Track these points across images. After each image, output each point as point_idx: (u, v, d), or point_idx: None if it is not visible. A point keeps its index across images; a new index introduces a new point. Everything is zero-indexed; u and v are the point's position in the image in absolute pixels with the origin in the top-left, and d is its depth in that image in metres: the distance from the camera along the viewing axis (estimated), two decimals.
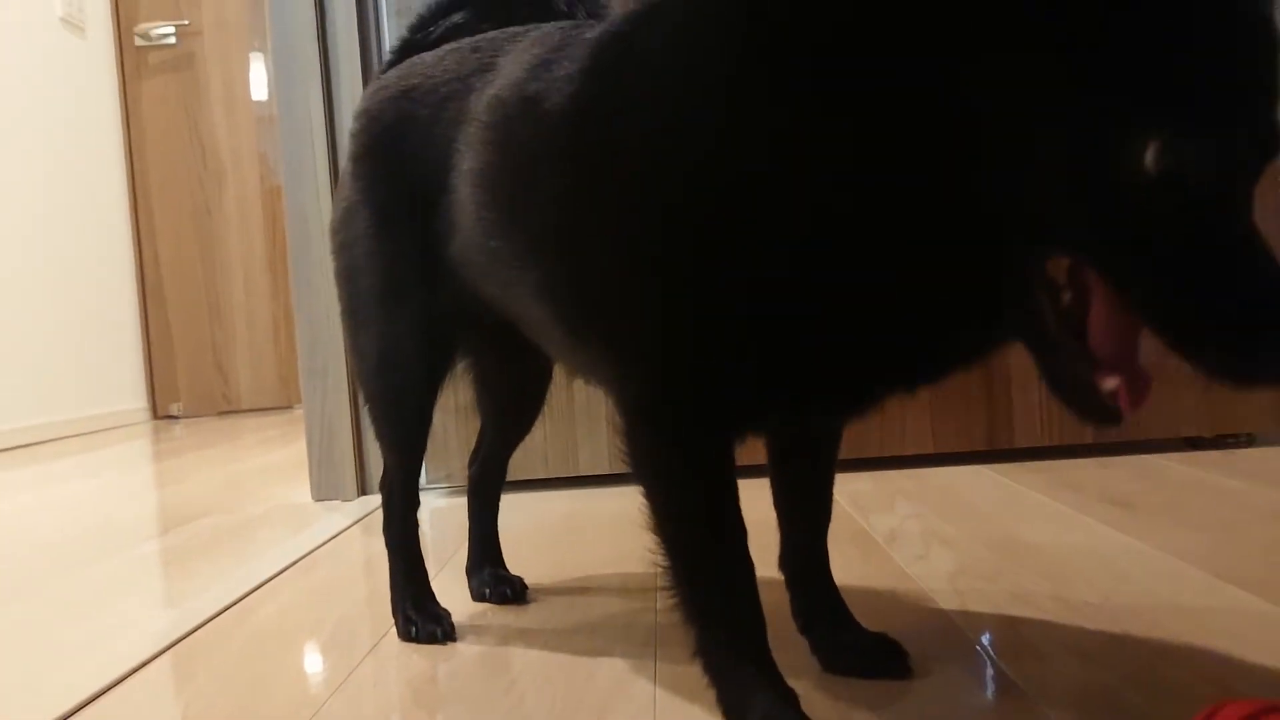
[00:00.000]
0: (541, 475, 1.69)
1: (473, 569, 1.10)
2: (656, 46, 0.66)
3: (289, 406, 3.83)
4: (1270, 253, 0.48)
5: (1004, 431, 1.65)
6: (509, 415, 1.10)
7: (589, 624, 0.97)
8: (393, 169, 0.91)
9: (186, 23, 3.91)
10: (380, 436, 0.99)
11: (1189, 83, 0.47)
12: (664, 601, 1.00)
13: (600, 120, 0.68)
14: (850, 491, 1.48)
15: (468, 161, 0.81)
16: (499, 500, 1.11)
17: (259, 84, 3.95)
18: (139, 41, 3.92)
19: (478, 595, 1.08)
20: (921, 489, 1.49)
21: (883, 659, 0.77)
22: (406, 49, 0.99)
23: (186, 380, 3.97)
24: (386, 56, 1.03)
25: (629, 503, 1.56)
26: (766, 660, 0.66)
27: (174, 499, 1.96)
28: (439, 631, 0.94)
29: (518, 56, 0.81)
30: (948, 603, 0.93)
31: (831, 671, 0.78)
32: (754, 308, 0.60)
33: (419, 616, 0.96)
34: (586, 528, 1.43)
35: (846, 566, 0.92)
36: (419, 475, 1.01)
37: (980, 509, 1.36)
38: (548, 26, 0.84)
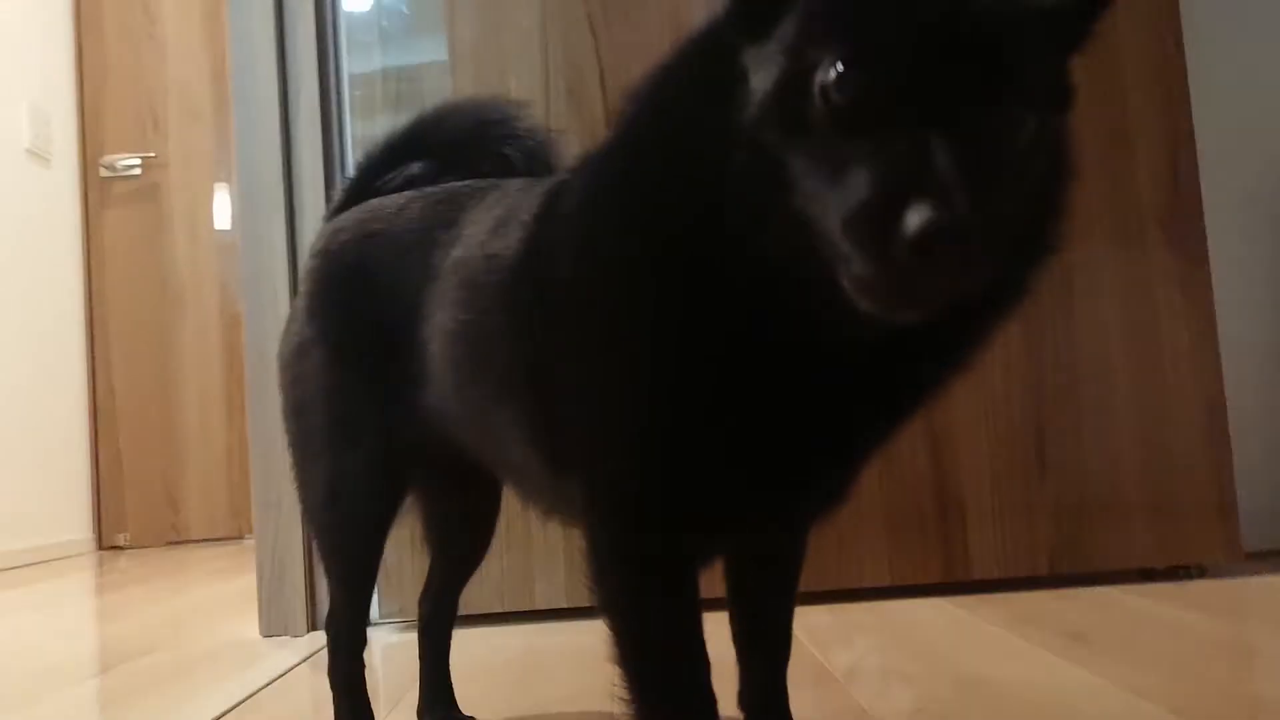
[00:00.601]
0: (497, 609, 1.66)
1: (424, 710, 1.07)
2: (577, 200, 0.70)
3: (239, 537, 3.75)
4: (932, 174, 0.48)
5: (960, 564, 1.66)
6: (459, 549, 1.09)
7: None
8: (351, 310, 0.92)
9: (153, 155, 3.96)
10: (328, 572, 0.97)
11: (853, 21, 0.51)
12: None
13: (539, 267, 0.72)
14: (808, 625, 1.47)
15: (438, 317, 0.83)
16: (450, 637, 1.09)
17: (222, 214, 3.99)
18: (104, 173, 3.96)
19: None
20: (880, 623, 1.48)
21: None
22: (360, 193, 1.00)
23: (135, 510, 3.88)
24: (336, 197, 1.04)
25: (587, 638, 1.53)
26: None
27: (116, 635, 1.90)
28: None
29: (481, 214, 0.84)
30: None
31: None
32: (693, 428, 0.62)
33: None
34: (544, 664, 1.40)
35: (805, 703, 0.91)
36: (367, 614, 0.99)
37: (939, 644, 1.35)
38: (510, 183, 0.88)
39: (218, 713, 1.21)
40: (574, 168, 0.73)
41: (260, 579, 1.72)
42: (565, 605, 1.65)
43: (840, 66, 0.50)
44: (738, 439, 0.62)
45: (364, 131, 1.76)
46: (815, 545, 1.84)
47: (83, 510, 3.82)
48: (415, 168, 0.99)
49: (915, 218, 0.45)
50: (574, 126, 1.71)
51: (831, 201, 0.50)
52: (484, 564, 1.62)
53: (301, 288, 0.98)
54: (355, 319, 0.91)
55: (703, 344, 0.60)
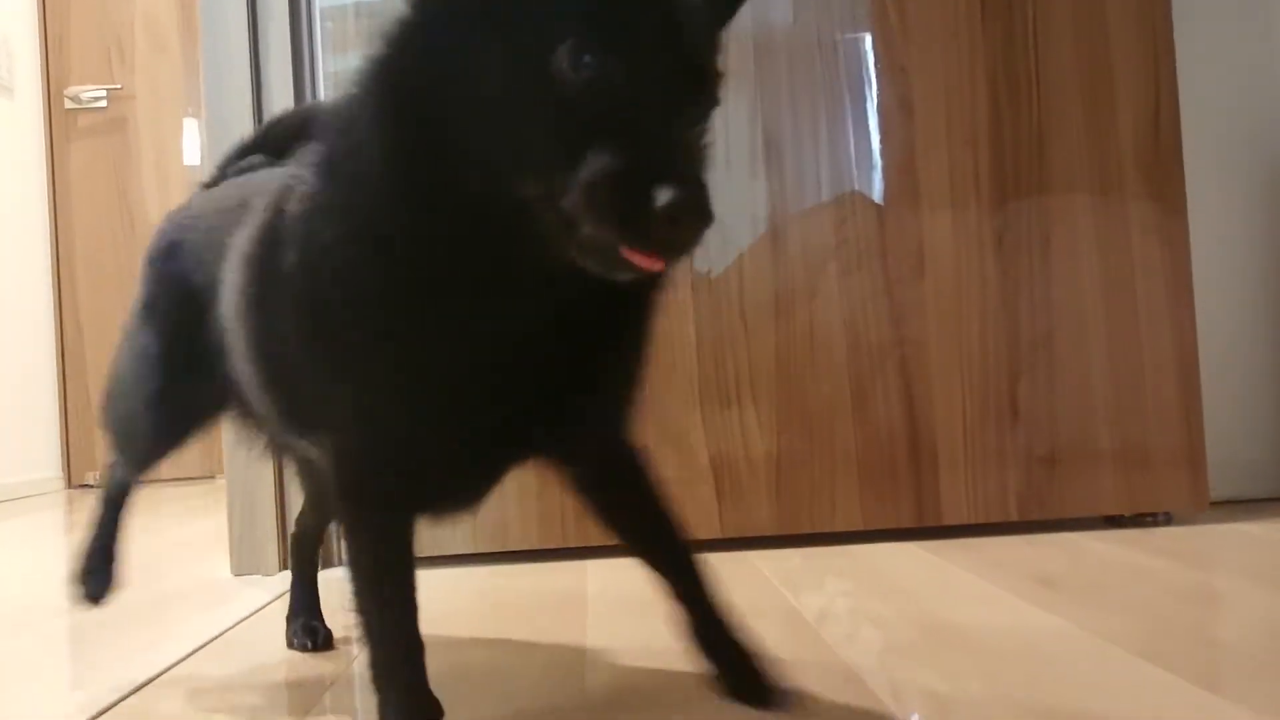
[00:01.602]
0: (470, 550, 1.66)
1: (290, 617, 1.22)
2: (304, 198, 0.76)
3: (210, 477, 3.73)
4: (676, 149, 0.58)
5: (932, 509, 1.67)
6: (324, 501, 1.20)
7: (514, 707, 0.94)
8: (166, 274, 1.04)
9: (119, 87, 3.88)
10: (111, 433, 1.16)
11: (586, 6, 0.58)
12: (590, 683, 0.99)
13: (266, 256, 0.80)
14: (781, 568, 1.48)
15: (224, 295, 0.90)
16: (317, 558, 1.25)
17: (192, 148, 3.91)
18: (69, 104, 3.87)
19: (289, 642, 1.19)
20: (852, 567, 1.49)
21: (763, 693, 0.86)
22: (215, 183, 1.13)
23: (104, 449, 3.84)
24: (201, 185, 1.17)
25: (558, 578, 1.54)
26: (419, 681, 0.77)
27: None
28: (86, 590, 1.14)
29: (264, 199, 0.90)
30: (876, 683, 0.93)
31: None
32: (395, 403, 0.72)
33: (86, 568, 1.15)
34: (516, 603, 1.41)
35: (776, 645, 0.92)
36: (139, 480, 1.17)
37: (909, 588, 1.36)
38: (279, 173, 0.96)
39: (189, 650, 1.21)
40: (297, 174, 0.79)
41: (231, 519, 1.71)
42: (538, 546, 1.66)
43: (582, 47, 0.57)
44: (437, 411, 0.72)
45: (336, 66, 1.72)
46: (788, 489, 1.85)
47: (51, 449, 3.79)
48: (252, 160, 1.12)
49: (669, 194, 0.54)
50: None
51: (568, 171, 0.57)
52: None
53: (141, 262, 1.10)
54: (171, 288, 1.02)
55: (405, 330, 0.69)
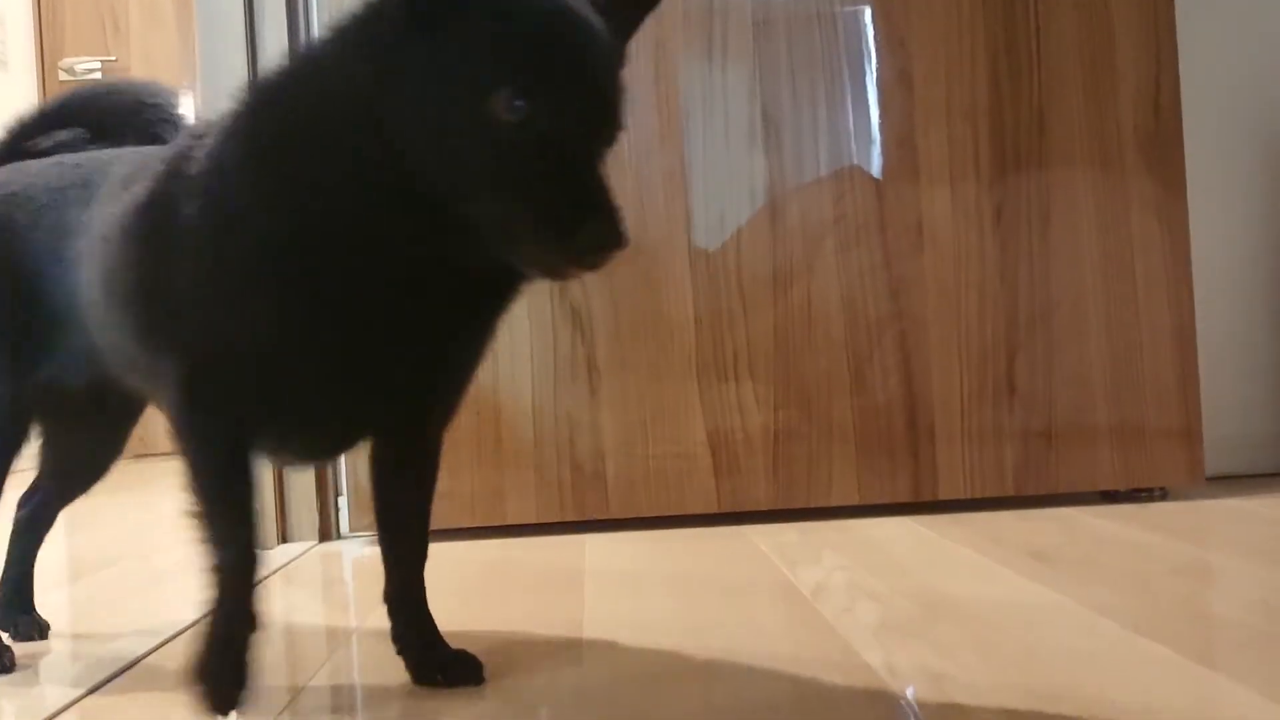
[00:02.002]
0: (468, 524, 1.66)
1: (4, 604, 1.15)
2: (210, 155, 0.81)
3: None
4: (598, 182, 0.69)
5: (928, 484, 1.67)
6: (75, 471, 1.18)
7: (509, 682, 0.95)
8: None
9: (113, 58, 3.85)
10: None
11: (519, 58, 0.69)
12: (588, 661, 0.99)
13: (160, 210, 0.83)
14: (778, 543, 1.48)
15: (82, 268, 0.93)
16: (40, 545, 1.18)
17: (187, 119, 3.88)
18: (63, 76, 3.84)
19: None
20: (848, 541, 1.50)
21: (463, 671, 0.92)
22: (8, 155, 1.09)
23: None
24: None
25: (557, 552, 1.54)
26: (247, 595, 0.85)
27: (85, 544, 1.89)
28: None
29: (116, 172, 0.95)
30: (873, 657, 0.94)
31: (421, 684, 0.92)
32: (267, 351, 0.79)
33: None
34: (514, 577, 1.41)
35: (773, 619, 0.92)
36: None
37: (905, 562, 1.37)
38: (145, 149, 1.01)
39: (187, 622, 1.21)
40: (204, 131, 0.84)
41: None
42: (535, 521, 1.66)
43: (516, 94, 0.67)
44: (301, 352, 0.79)
45: None
46: (785, 464, 1.84)
47: None
48: (64, 134, 1.09)
49: (599, 227, 0.67)
50: None
51: (507, 198, 0.69)
52: (456, 478, 1.64)
53: None
54: None
55: (298, 278, 0.76)
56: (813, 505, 1.66)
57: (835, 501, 1.67)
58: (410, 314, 0.78)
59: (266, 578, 1.41)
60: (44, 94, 3.85)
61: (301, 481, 1.72)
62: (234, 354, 0.80)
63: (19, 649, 1.07)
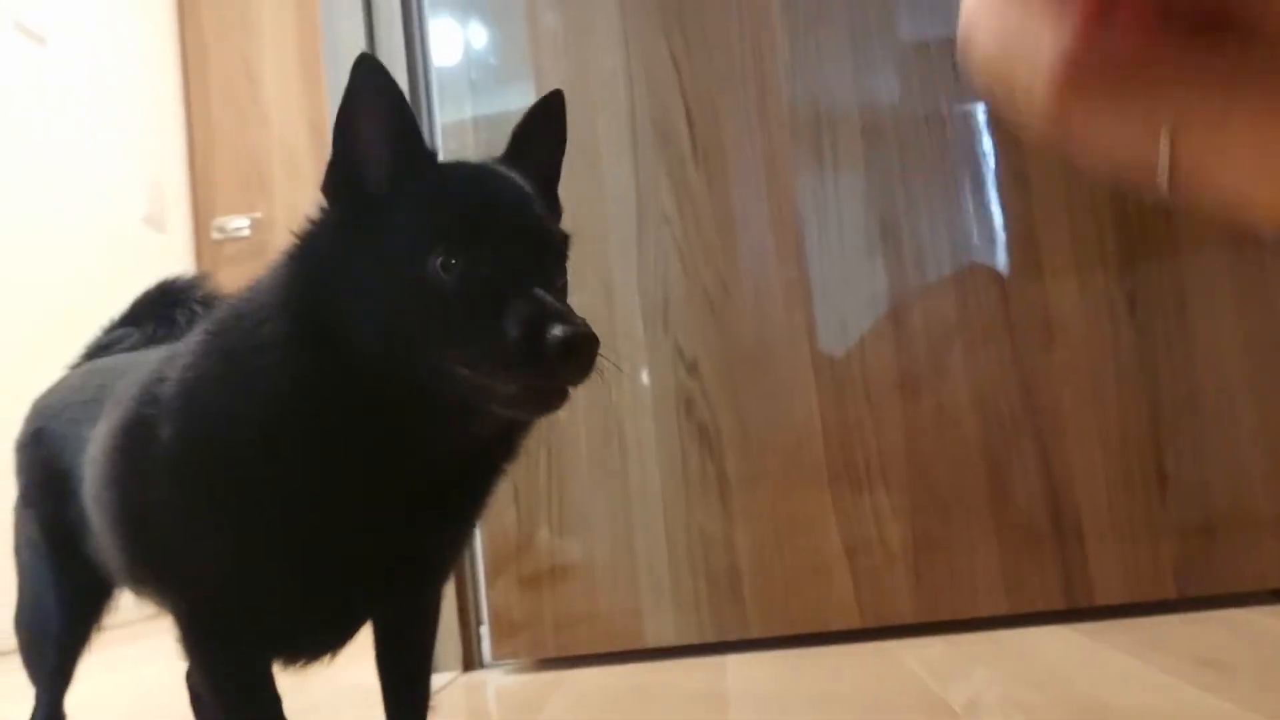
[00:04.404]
0: (605, 649, 1.66)
1: None
2: (172, 389, 0.84)
3: None
4: (551, 304, 0.70)
5: (1081, 588, 1.59)
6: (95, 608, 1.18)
7: None
8: (33, 462, 1.10)
9: (259, 215, 4.12)
10: (27, 668, 1.13)
11: (445, 223, 0.75)
12: None
13: (136, 440, 0.86)
14: (925, 658, 1.43)
15: (86, 480, 0.96)
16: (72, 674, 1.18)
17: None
18: (215, 235, 4.12)
19: None
20: (999, 653, 1.43)
21: None
22: (89, 355, 1.21)
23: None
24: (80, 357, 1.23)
25: (697, 676, 1.52)
26: None
27: None
28: None
29: (120, 388, 0.97)
30: None
31: None
32: (254, 574, 0.82)
33: None
34: (654, 703, 1.39)
35: None
36: (62, 704, 1.13)
37: (1062, 673, 1.30)
38: (148, 355, 1.04)
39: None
40: (171, 357, 0.88)
41: None
42: (674, 644, 1.64)
43: (449, 255, 0.72)
44: (292, 569, 0.81)
45: None
46: (927, 573, 1.79)
47: None
48: (119, 332, 1.22)
49: (558, 330, 0.67)
50: (661, 162, 1.72)
51: (471, 342, 0.70)
52: (593, 602, 1.64)
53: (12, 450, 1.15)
54: (38, 476, 1.09)
55: (270, 504, 0.79)
56: (959, 617, 1.60)
57: (982, 611, 1.61)
58: (387, 502, 0.79)
59: None
60: (198, 253, 4.13)
61: (444, 611, 1.75)
62: (226, 583, 0.83)
63: None
